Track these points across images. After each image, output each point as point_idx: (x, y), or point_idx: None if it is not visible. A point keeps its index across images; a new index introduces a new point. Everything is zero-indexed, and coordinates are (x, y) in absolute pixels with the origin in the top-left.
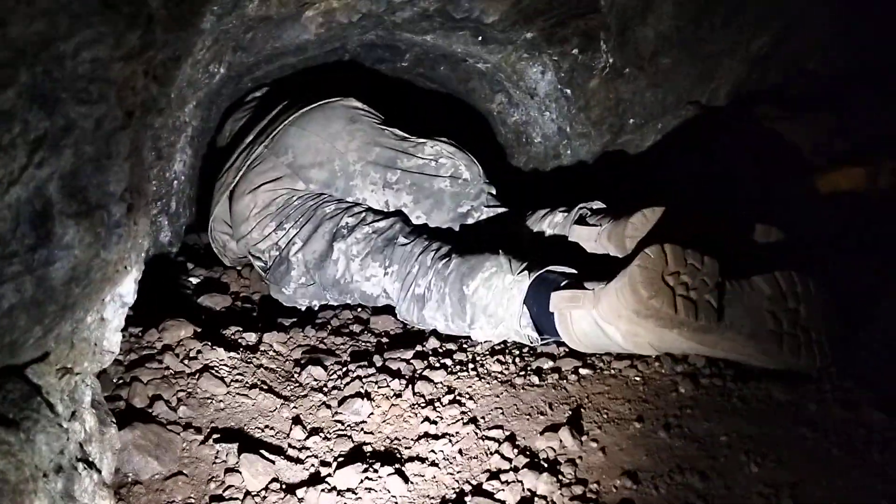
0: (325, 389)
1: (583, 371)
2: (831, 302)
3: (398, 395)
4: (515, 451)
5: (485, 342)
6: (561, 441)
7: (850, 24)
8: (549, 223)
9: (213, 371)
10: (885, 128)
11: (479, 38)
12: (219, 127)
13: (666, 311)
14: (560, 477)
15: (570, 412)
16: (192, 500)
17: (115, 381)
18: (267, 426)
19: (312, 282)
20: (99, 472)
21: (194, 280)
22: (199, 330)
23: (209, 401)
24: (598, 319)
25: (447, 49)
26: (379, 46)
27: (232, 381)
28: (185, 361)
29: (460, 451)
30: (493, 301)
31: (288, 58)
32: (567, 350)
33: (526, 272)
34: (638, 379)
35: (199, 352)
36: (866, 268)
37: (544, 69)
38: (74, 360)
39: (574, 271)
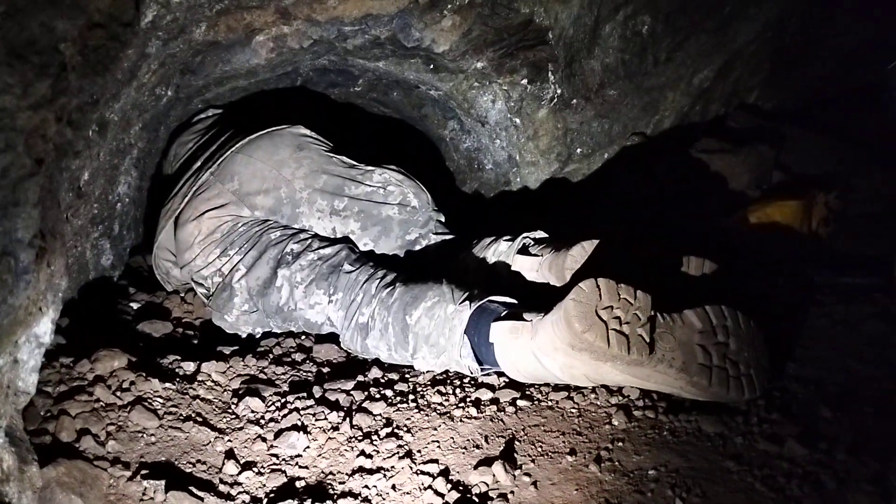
0: (262, 422)
1: (520, 403)
2: (760, 335)
3: (335, 428)
4: (449, 486)
5: (427, 372)
6: (494, 475)
7: (790, 60)
8: (494, 252)
9: (146, 403)
10: (820, 162)
11: (431, 67)
12: (165, 150)
13: (599, 345)
14: None
15: (505, 445)
16: None
17: (42, 413)
18: (199, 461)
19: (255, 309)
20: None
21: (135, 305)
22: (133, 359)
23: (140, 434)
24: (536, 351)
25: (399, 76)
26: (332, 71)
27: (165, 413)
28: (118, 393)
29: (394, 486)
30: (435, 331)
31: (239, 81)
32: (507, 381)
33: (467, 302)
34: (574, 411)
35: (132, 383)
36: (798, 299)
37: (494, 98)
38: None
39: (514, 301)
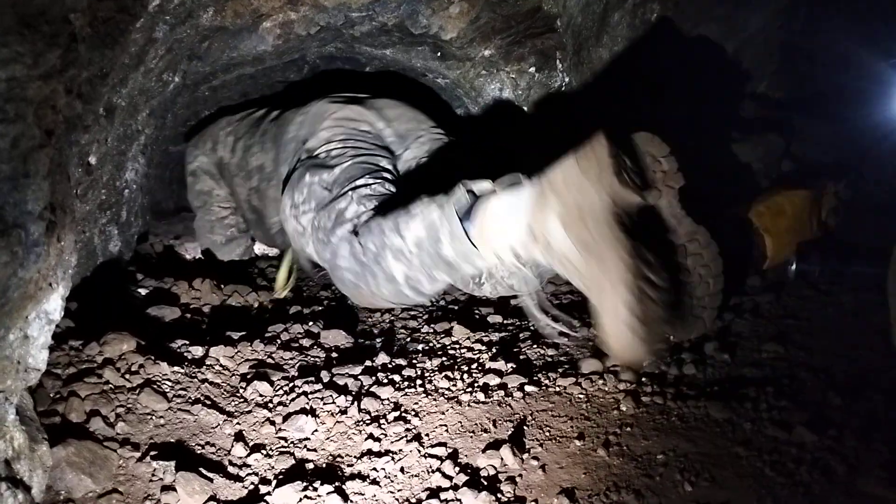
0: (271, 405)
1: (528, 388)
2: (720, 276)
3: (343, 412)
4: (457, 468)
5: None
6: (502, 459)
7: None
8: None
9: (155, 386)
10: (829, 152)
11: (438, 54)
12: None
13: (609, 163)
14: (499, 495)
15: (513, 429)
16: None
17: (51, 395)
18: (208, 443)
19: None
20: (28, 490)
21: (143, 291)
22: (142, 343)
23: (149, 416)
24: (527, 196)
25: (407, 63)
26: (339, 59)
27: (174, 396)
28: (127, 376)
29: (402, 469)
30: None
31: (245, 68)
32: (514, 367)
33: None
34: (581, 396)
35: (141, 366)
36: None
37: (502, 86)
38: None
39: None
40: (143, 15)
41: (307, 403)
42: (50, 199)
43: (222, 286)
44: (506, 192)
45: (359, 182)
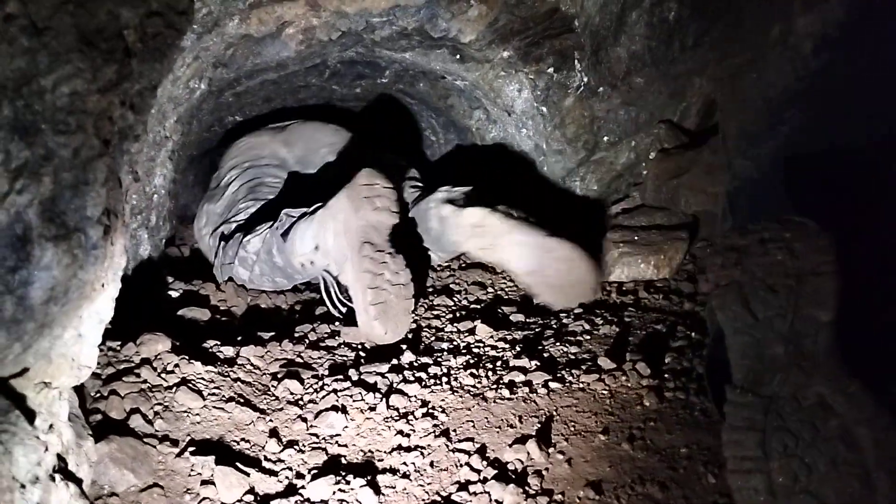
0: (301, 403)
1: (552, 385)
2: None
3: (373, 409)
4: (484, 462)
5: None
6: (528, 453)
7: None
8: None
9: (191, 385)
10: None
11: (457, 56)
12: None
13: (363, 194)
14: (526, 488)
15: (539, 425)
16: None
17: (93, 394)
18: (243, 439)
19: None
20: (76, 482)
21: (174, 293)
22: (176, 344)
23: (186, 414)
24: (316, 220)
25: (426, 66)
26: (359, 63)
27: (209, 394)
28: (163, 375)
29: (431, 464)
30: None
31: (268, 73)
32: (538, 364)
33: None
34: (605, 392)
35: (176, 365)
36: None
37: (521, 87)
38: (52, 375)
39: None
40: (189, 30)
41: (337, 401)
42: (106, 205)
43: (246, 288)
44: (308, 216)
45: (240, 206)
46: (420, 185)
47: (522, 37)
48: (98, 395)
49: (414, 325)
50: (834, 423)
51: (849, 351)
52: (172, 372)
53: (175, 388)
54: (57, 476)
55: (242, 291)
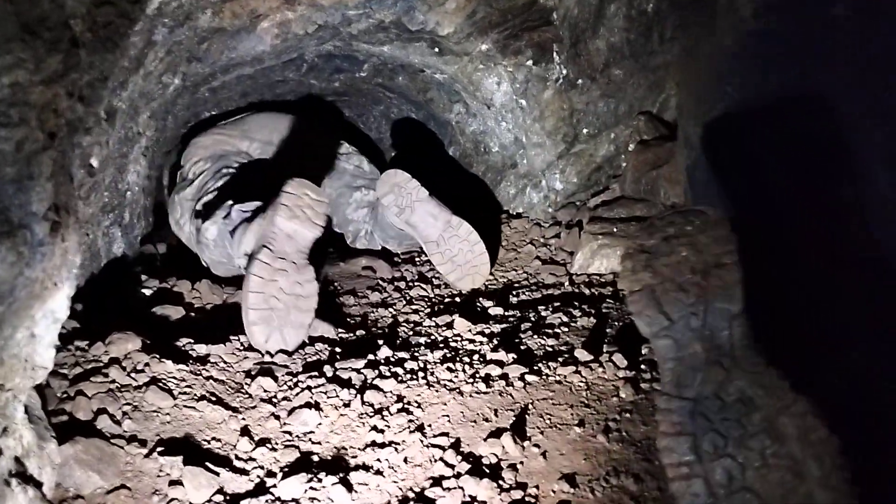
0: (275, 400)
1: (529, 378)
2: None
3: (347, 405)
4: (459, 457)
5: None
6: (504, 447)
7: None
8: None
9: (161, 384)
10: None
11: (436, 50)
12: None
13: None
14: (500, 482)
15: (515, 418)
16: None
17: (58, 395)
18: (214, 438)
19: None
20: (37, 486)
21: (147, 291)
22: (147, 342)
23: (155, 414)
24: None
25: (404, 60)
26: (337, 57)
27: (180, 393)
28: (132, 374)
29: (405, 459)
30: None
31: (244, 68)
32: (515, 357)
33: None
34: (581, 384)
35: (146, 364)
36: None
37: (500, 80)
38: (4, 377)
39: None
40: (142, 18)
41: (311, 398)
42: (54, 200)
43: (222, 286)
44: (251, 220)
45: (209, 186)
46: (368, 179)
47: (501, 29)
48: (64, 395)
49: (391, 320)
50: (757, 417)
51: (762, 339)
52: (142, 371)
53: (145, 387)
54: (13, 480)
55: (218, 289)
